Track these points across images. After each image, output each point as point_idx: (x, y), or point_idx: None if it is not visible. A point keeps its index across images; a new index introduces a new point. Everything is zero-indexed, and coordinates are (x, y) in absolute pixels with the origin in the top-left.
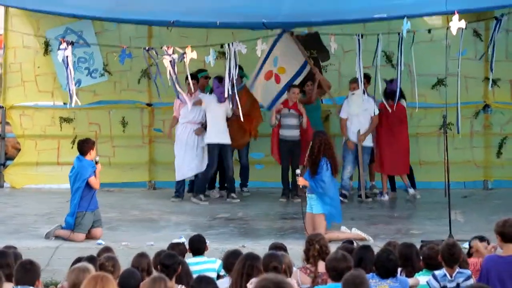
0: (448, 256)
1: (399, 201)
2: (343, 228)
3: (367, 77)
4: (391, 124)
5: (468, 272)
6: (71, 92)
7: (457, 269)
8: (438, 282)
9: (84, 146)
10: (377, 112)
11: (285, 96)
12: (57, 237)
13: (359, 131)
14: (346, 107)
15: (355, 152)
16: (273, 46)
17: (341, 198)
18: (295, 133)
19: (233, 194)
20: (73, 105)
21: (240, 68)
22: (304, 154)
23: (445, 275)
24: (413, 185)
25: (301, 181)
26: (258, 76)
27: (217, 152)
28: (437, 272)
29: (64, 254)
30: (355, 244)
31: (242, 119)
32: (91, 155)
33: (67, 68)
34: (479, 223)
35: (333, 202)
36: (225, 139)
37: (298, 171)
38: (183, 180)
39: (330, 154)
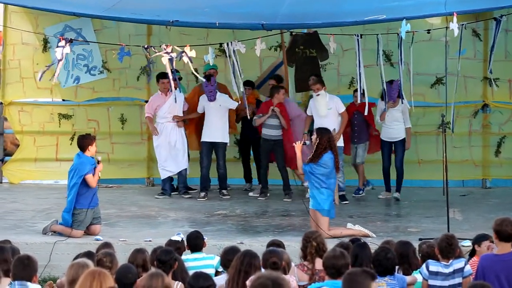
0: (446, 246)
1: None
2: (349, 224)
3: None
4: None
5: (464, 258)
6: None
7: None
8: (428, 269)
9: (83, 141)
10: (343, 108)
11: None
12: (54, 233)
13: (334, 129)
14: (312, 107)
15: None
16: (281, 63)
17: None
18: (276, 133)
19: (224, 191)
20: (54, 80)
21: (177, 71)
22: (287, 153)
23: (439, 262)
24: (398, 188)
25: (297, 147)
26: (268, 81)
27: (207, 150)
28: (430, 261)
29: (62, 249)
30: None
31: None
32: (90, 151)
33: (59, 61)
34: (477, 221)
35: (325, 197)
36: (217, 137)
37: (308, 142)
38: (170, 177)
39: (335, 150)
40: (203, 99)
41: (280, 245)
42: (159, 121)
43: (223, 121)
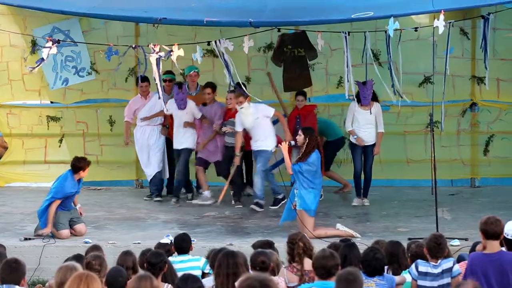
0: (435, 246)
1: (386, 199)
2: (339, 225)
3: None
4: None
5: (452, 258)
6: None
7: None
8: (417, 270)
9: (76, 164)
10: (272, 110)
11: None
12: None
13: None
14: (238, 121)
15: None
16: None
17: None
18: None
19: (173, 199)
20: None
21: (172, 73)
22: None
23: (428, 262)
24: (366, 193)
25: (284, 148)
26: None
27: (178, 157)
28: (419, 261)
29: (51, 252)
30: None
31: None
32: (80, 175)
33: (42, 61)
34: (466, 220)
35: (312, 197)
36: (182, 144)
37: (293, 142)
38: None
39: (321, 150)
40: (172, 105)
41: (268, 243)
42: (139, 124)
43: (188, 128)
